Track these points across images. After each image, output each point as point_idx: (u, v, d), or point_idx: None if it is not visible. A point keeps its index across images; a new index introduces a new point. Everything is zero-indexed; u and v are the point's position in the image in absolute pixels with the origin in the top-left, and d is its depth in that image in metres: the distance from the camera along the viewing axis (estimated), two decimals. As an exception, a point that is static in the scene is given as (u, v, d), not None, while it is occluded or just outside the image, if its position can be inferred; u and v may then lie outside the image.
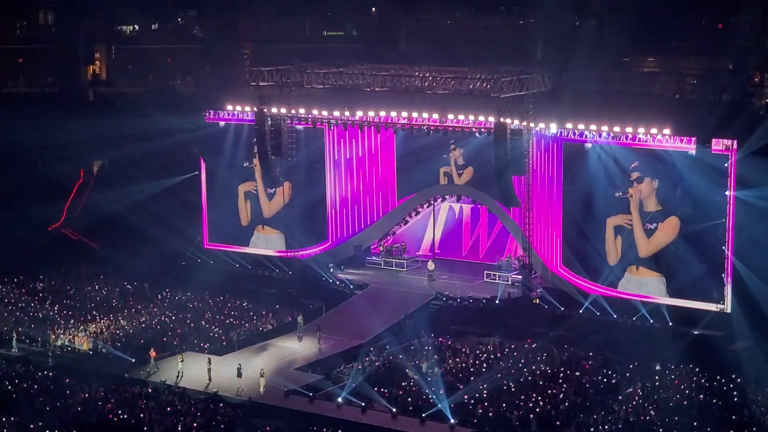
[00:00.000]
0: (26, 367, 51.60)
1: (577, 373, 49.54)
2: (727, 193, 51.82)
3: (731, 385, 47.48)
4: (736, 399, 45.97)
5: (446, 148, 63.19)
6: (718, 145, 51.69)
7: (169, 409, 46.16)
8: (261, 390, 48.64)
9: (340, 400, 47.53)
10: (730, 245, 52.06)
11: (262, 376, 49.15)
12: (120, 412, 45.70)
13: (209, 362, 50.58)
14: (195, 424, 44.28)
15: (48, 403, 46.64)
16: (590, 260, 56.29)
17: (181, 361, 51.32)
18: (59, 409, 46.00)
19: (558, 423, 44.96)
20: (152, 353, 52.11)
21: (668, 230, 53.80)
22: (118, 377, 50.69)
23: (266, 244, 66.12)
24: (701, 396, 46.29)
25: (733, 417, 43.97)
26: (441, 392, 47.05)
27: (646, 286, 54.71)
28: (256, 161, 63.80)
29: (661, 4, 67.18)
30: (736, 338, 51.53)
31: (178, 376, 50.27)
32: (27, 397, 47.35)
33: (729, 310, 52.44)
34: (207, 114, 66.15)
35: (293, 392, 48.51)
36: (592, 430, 43.88)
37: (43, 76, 79.50)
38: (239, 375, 49.33)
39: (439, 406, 45.60)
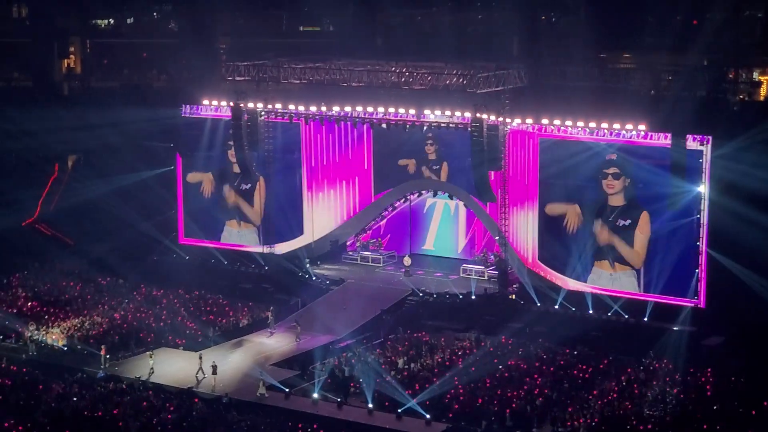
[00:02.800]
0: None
1: (552, 368, 49.69)
2: (701, 188, 52.07)
3: (704, 380, 47.73)
4: (709, 394, 46.19)
5: (422, 144, 63.10)
6: (692, 141, 51.92)
7: (144, 404, 46.02)
8: (261, 392, 48.31)
9: (315, 395, 47.48)
10: (704, 240, 52.31)
11: (261, 378, 48.74)
12: (94, 408, 45.51)
13: (200, 358, 50.19)
14: (170, 420, 44.14)
15: (22, 399, 46.42)
16: (565, 256, 56.40)
17: (151, 356, 51.08)
18: (33, 405, 45.77)
19: (533, 418, 45.08)
20: (102, 350, 51.97)
21: (645, 229, 53.95)
22: (93, 373, 50.53)
23: (240, 238, 66.01)
24: (675, 390, 46.50)
25: (707, 411, 44.19)
26: (416, 388, 47.10)
27: (618, 281, 54.89)
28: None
29: (637, 0, 67.41)
30: (710, 333, 51.81)
31: (150, 373, 50.06)
32: (2, 394, 47.16)
33: (703, 306, 52.72)
34: (183, 109, 65.98)
35: (269, 388, 48.43)
36: (567, 424, 44.02)
37: (17, 70, 78.99)
38: (214, 372, 49.14)
39: (410, 403, 45.57)
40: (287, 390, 47.93)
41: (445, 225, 65.40)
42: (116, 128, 67.20)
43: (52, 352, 53.64)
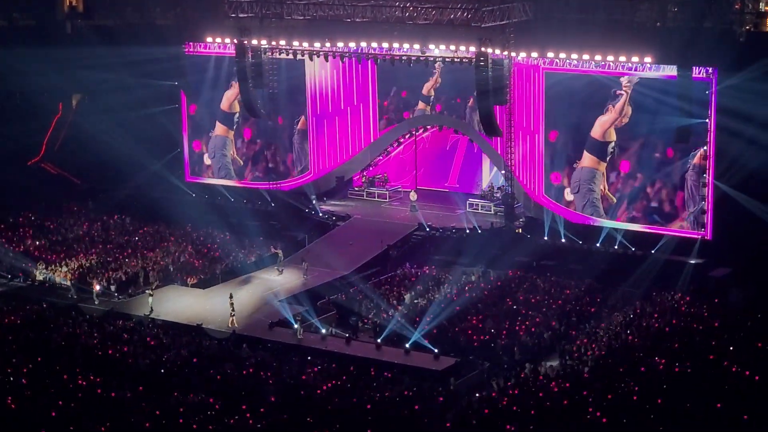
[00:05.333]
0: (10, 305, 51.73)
1: (560, 302, 49.89)
2: (707, 120, 51.87)
3: (711, 312, 47.92)
4: (716, 324, 46.39)
5: (426, 79, 62.77)
6: (698, 72, 51.65)
7: (153, 342, 46.29)
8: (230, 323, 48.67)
9: (323, 331, 47.70)
10: (710, 172, 52.22)
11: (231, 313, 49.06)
12: (104, 345, 45.79)
13: (231, 297, 49.96)
14: (180, 357, 44.42)
15: (32, 337, 46.72)
16: (572, 188, 56.47)
17: (151, 295, 51.22)
18: (43, 343, 46.09)
19: (541, 351, 45.36)
20: (95, 286, 52.22)
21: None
22: (101, 311, 50.78)
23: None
24: (682, 323, 46.66)
25: (713, 342, 44.41)
26: (425, 322, 47.33)
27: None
28: None
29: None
30: (717, 265, 51.89)
31: (149, 311, 50.21)
32: (12, 333, 47.43)
33: (710, 237, 52.76)
34: (187, 46, 65.75)
35: (277, 324, 48.68)
36: (576, 355, 44.30)
37: (18, 11, 78.41)
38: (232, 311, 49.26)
39: (418, 338, 45.80)
40: (296, 326, 48.16)
41: (468, 162, 65.01)
42: (120, 66, 66.82)
43: (59, 291, 53.88)
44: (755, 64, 50.31)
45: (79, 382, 41.89)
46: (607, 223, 55.25)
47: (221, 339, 47.40)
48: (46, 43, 69.29)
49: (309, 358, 44.68)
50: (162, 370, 43.39)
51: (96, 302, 51.65)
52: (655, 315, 47.80)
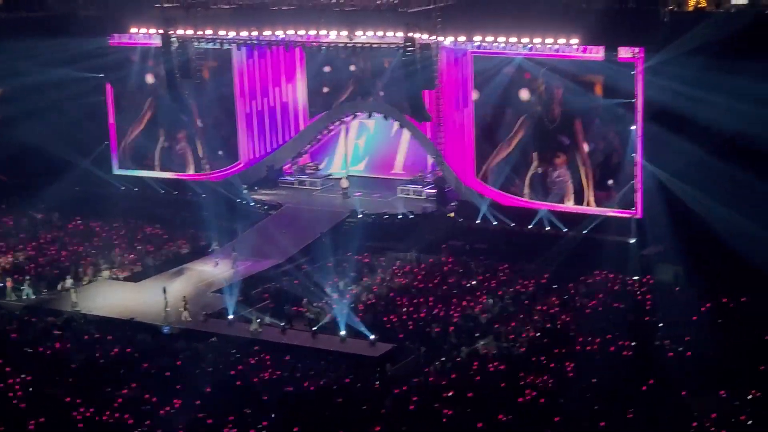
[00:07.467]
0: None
1: (494, 284, 50.02)
2: (634, 100, 52.26)
3: (643, 290, 48.36)
4: (649, 302, 46.82)
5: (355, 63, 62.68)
6: (624, 53, 52.02)
7: (86, 338, 45.66)
8: (184, 317, 48.18)
9: (258, 321, 47.39)
10: (639, 151, 52.61)
11: (185, 307, 48.57)
12: (35, 343, 45.07)
13: (165, 291, 49.14)
14: (114, 352, 43.87)
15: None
16: (502, 170, 56.62)
17: (75, 291, 50.46)
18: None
19: (476, 334, 45.46)
20: (9, 282, 51.44)
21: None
22: (30, 308, 49.95)
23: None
24: (614, 303, 46.98)
25: (645, 319, 44.86)
26: (359, 309, 47.23)
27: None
28: None
29: None
30: (648, 243, 52.32)
31: (75, 306, 49.40)
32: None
33: (641, 216, 53.18)
34: (112, 38, 64.92)
35: (211, 315, 48.28)
36: (511, 337, 44.45)
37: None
38: (186, 305, 48.58)
39: (352, 323, 45.70)
40: (230, 317, 47.84)
41: (414, 149, 64.32)
42: (44, 59, 65.67)
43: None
44: (677, 42, 50.62)
45: (10, 381, 41.14)
46: (536, 206, 55.61)
47: (156, 333, 46.78)
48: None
49: (247, 348, 44.37)
50: (95, 366, 42.74)
51: (11, 298, 50.74)
52: (589, 295, 48.12)
